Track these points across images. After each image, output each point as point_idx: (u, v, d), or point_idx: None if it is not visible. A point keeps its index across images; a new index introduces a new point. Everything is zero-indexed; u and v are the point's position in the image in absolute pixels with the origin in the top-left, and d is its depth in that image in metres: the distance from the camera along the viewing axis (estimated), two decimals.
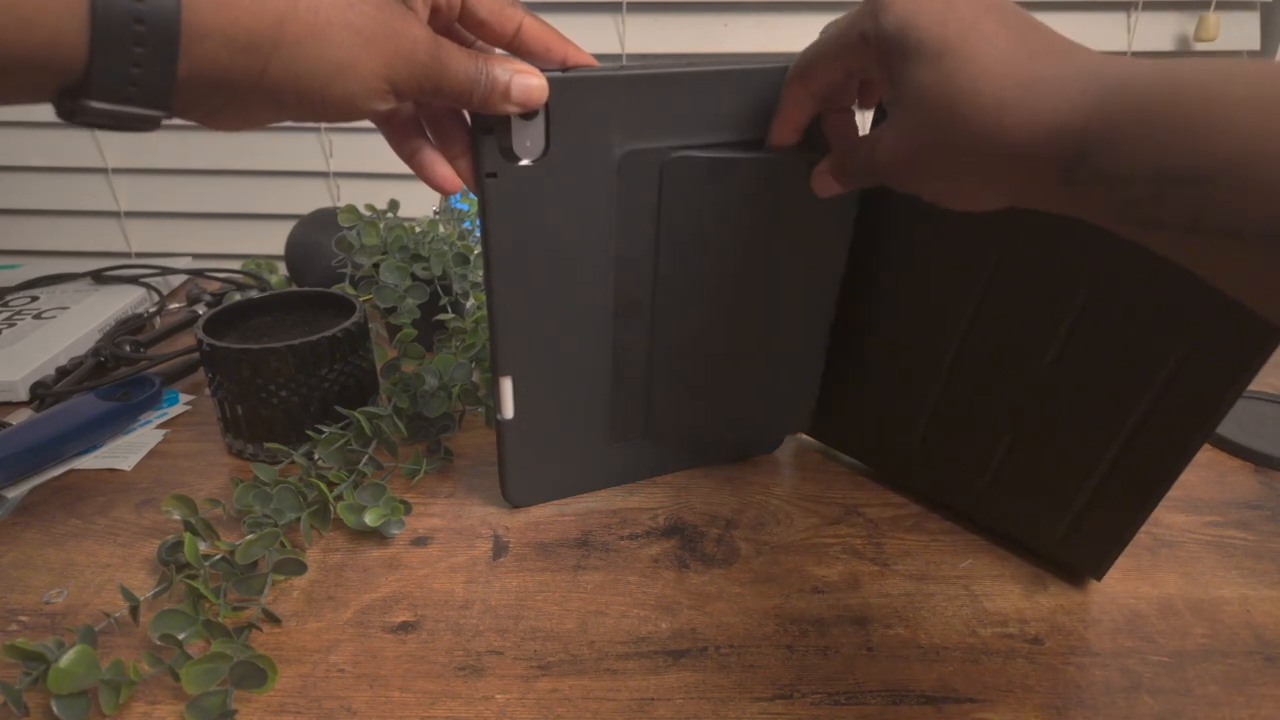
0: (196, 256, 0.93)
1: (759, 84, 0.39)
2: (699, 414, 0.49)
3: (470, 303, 0.65)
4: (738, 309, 0.45)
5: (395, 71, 0.29)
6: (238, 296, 0.68)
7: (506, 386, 0.44)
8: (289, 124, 0.87)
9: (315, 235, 0.73)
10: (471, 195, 0.71)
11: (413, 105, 0.36)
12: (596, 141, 0.38)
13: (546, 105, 0.35)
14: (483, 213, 0.38)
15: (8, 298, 0.77)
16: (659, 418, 0.49)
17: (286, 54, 0.26)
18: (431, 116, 0.37)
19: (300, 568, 0.42)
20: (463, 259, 0.63)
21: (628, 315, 0.44)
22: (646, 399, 0.48)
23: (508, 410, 0.44)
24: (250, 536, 0.42)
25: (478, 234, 0.68)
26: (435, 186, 0.37)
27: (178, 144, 0.89)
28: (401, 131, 0.36)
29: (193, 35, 0.25)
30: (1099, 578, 0.42)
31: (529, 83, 0.34)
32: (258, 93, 0.27)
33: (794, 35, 0.83)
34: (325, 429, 0.50)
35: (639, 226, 0.42)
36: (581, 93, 0.36)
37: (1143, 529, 0.47)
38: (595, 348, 0.45)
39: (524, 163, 0.37)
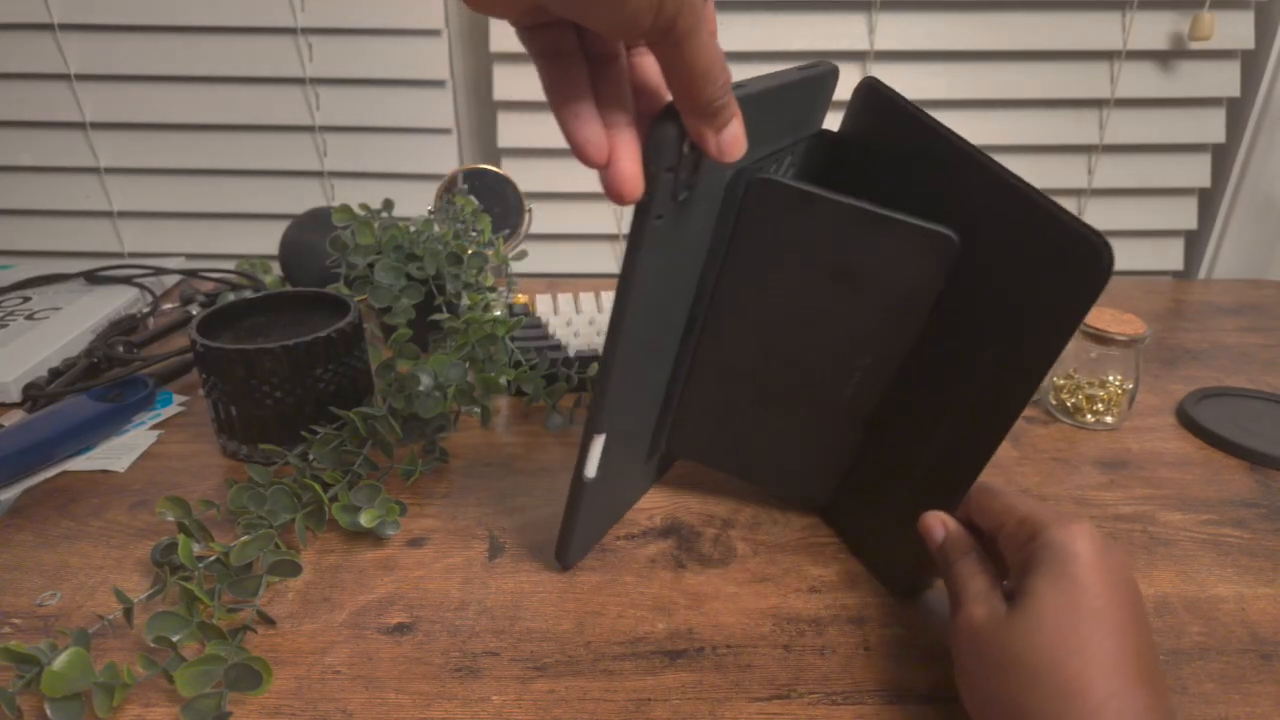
0: (190, 256, 0.93)
1: (799, 92, 0.38)
2: (723, 438, 0.46)
3: (464, 302, 0.64)
4: (780, 348, 0.41)
5: None
6: (231, 297, 0.68)
7: (598, 446, 0.38)
8: (283, 122, 0.88)
9: (309, 235, 0.73)
10: (469, 197, 0.71)
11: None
12: (720, 167, 0.33)
13: None
14: (633, 255, 0.32)
15: (0, 298, 0.76)
16: (686, 434, 0.46)
17: None
18: (606, 78, 0.29)
19: (295, 569, 0.42)
20: (457, 259, 0.63)
21: (687, 333, 0.41)
22: (679, 413, 0.45)
23: (592, 470, 0.38)
24: (245, 538, 0.42)
25: (474, 233, 0.68)
26: (612, 185, 0.29)
27: (171, 144, 0.88)
28: (565, 76, 0.28)
29: None
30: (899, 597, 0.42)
31: (738, 134, 0.29)
32: None
33: (790, 34, 0.83)
34: (320, 430, 0.50)
35: (716, 247, 0.39)
36: None
37: (1140, 527, 0.47)
38: (661, 376, 0.41)
39: (681, 198, 0.32)
